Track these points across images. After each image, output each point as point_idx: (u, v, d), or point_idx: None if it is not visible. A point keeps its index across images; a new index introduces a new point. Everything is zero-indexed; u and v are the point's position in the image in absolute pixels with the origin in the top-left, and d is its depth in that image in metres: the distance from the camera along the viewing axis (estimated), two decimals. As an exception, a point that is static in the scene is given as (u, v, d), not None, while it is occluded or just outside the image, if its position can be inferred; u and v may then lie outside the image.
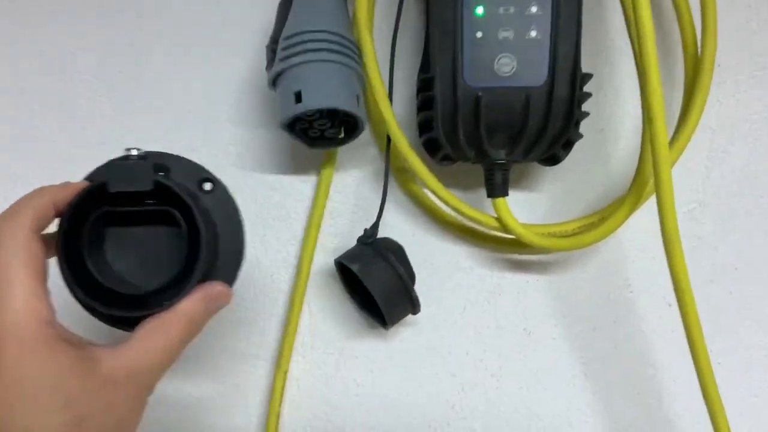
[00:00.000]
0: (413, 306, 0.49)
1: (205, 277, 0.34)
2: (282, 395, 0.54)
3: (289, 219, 0.56)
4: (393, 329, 0.56)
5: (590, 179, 0.56)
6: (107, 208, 0.33)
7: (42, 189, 0.32)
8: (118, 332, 0.35)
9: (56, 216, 0.32)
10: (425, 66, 0.48)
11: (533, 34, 0.44)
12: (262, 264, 0.56)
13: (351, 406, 0.56)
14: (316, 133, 0.48)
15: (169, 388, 0.56)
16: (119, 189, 0.32)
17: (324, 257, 0.56)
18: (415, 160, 0.48)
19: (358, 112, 0.45)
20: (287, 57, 0.44)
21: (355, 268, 0.47)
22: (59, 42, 0.55)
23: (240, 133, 0.55)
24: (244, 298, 0.56)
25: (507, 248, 0.55)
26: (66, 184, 0.33)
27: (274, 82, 0.46)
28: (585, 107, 0.46)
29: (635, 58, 0.47)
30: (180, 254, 0.33)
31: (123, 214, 0.33)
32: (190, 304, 0.33)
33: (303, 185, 0.56)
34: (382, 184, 0.56)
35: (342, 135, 0.48)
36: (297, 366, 0.56)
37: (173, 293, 0.33)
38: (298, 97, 0.44)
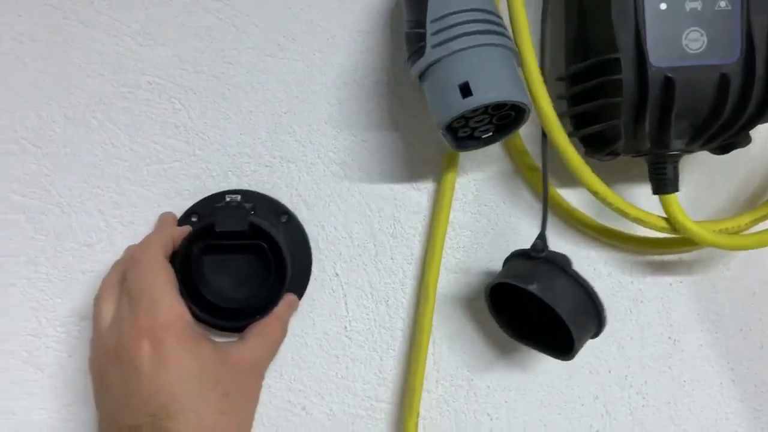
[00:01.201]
0: (599, 327, 0.42)
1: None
2: (415, 442, 0.46)
3: (404, 234, 0.48)
4: (525, 352, 0.49)
5: (731, 167, 0.50)
6: (211, 242, 0.41)
7: (164, 228, 0.42)
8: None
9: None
10: (581, 48, 0.41)
11: (722, 4, 0.38)
12: (376, 289, 0.47)
13: (485, 443, 0.49)
14: (466, 132, 0.40)
15: (278, 446, 0.47)
16: (224, 228, 0.41)
17: (446, 276, 0.48)
18: (575, 157, 0.41)
19: (531, 104, 0.37)
20: (444, 42, 0.36)
21: (534, 288, 0.40)
22: (119, 38, 0.44)
23: (343, 137, 0.46)
24: (358, 332, 0.47)
25: (649, 249, 0.49)
26: (170, 221, 0.44)
27: (422, 75, 0.38)
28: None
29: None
30: (263, 275, 0.42)
31: (221, 246, 0.41)
32: (280, 310, 0.43)
33: (418, 194, 0.48)
34: (508, 187, 0.48)
35: (491, 133, 0.41)
36: (421, 403, 0.48)
37: (266, 304, 0.42)
38: (466, 90, 0.36)
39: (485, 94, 0.35)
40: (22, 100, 0.43)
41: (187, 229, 0.41)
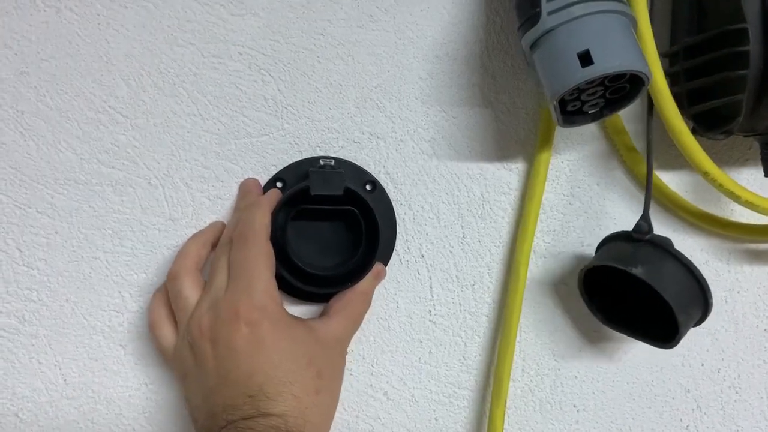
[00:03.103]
0: (704, 313, 0.39)
1: None
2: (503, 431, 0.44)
3: (492, 216, 0.46)
4: (614, 342, 0.47)
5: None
6: (304, 206, 0.41)
7: (265, 200, 0.40)
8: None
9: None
10: (696, 20, 0.39)
11: None
12: (462, 272, 0.46)
13: (570, 435, 0.47)
14: (576, 107, 0.38)
15: (356, 427, 0.45)
16: (319, 192, 0.40)
17: (534, 260, 0.47)
18: (686, 134, 0.39)
19: (651, 75, 0.35)
20: (563, 8, 0.34)
21: (638, 272, 0.38)
22: (211, 6, 0.43)
23: (433, 114, 0.45)
24: (442, 316, 0.46)
25: (749, 237, 0.47)
26: (255, 190, 0.42)
27: (534, 44, 0.36)
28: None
29: None
30: (352, 243, 0.42)
31: (311, 210, 0.41)
32: (366, 284, 0.42)
33: (508, 174, 0.46)
34: (603, 168, 0.46)
35: (599, 109, 0.39)
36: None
37: (354, 274, 0.41)
38: (586, 59, 0.34)
39: (607, 62, 0.33)
40: (112, 68, 0.42)
41: (279, 195, 0.41)
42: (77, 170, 0.42)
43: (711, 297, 0.38)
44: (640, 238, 0.39)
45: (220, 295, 0.37)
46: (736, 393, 0.48)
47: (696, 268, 0.38)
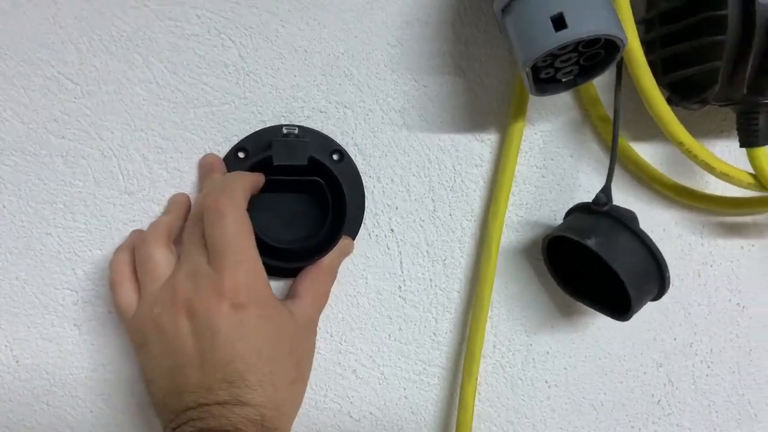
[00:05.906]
0: (661, 288, 0.39)
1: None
2: (473, 410, 0.43)
3: (464, 189, 0.45)
4: (587, 317, 0.46)
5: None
6: (267, 177, 0.39)
7: (243, 175, 0.37)
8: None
9: None
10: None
11: (837, -68, 0.34)
12: (433, 247, 0.45)
13: (542, 411, 0.47)
14: (549, 74, 0.37)
15: (323, 406, 0.44)
16: (282, 162, 0.38)
17: (506, 234, 0.45)
18: (661, 103, 0.38)
19: (626, 41, 0.34)
20: (536, -32, 0.33)
21: (592, 243, 0.37)
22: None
23: (402, 82, 0.43)
24: (412, 292, 0.45)
25: (723, 210, 0.46)
26: (217, 165, 0.40)
27: (506, 7, 0.34)
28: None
29: None
30: (317, 215, 0.40)
31: (274, 182, 0.39)
32: (332, 258, 0.40)
33: (480, 146, 0.44)
34: (577, 139, 0.45)
35: (573, 76, 0.37)
36: (477, 369, 0.45)
37: (321, 247, 0.40)
38: (559, 23, 0.32)
39: (582, 26, 0.32)
40: (60, 31, 0.39)
41: (258, 176, 0.38)
42: (24, 140, 0.40)
43: (667, 271, 0.37)
44: (598, 209, 0.38)
45: (201, 268, 0.34)
46: (708, 367, 0.48)
47: (651, 241, 0.37)
